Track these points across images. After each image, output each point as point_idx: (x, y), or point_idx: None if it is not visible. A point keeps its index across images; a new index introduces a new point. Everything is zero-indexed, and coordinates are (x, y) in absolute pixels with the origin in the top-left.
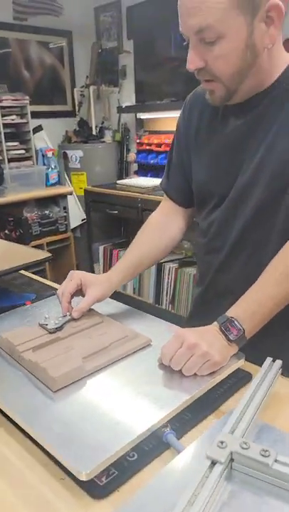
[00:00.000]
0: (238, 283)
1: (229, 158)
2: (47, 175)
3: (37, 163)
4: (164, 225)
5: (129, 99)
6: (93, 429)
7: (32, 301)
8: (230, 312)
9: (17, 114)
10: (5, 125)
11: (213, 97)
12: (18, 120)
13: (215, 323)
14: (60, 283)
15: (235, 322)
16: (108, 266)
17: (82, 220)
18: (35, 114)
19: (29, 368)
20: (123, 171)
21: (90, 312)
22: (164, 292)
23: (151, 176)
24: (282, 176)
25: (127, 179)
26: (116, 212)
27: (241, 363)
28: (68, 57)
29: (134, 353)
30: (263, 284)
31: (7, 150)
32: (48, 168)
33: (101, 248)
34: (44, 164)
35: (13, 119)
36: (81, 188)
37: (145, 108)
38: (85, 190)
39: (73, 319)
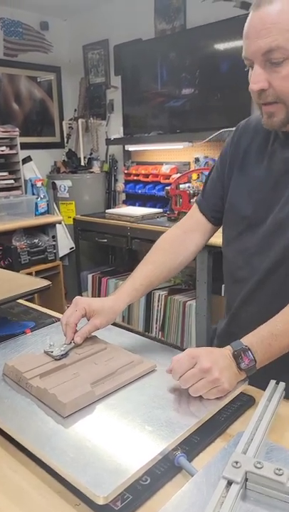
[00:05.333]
0: (263, 316)
1: (270, 189)
2: (36, 204)
3: (26, 193)
4: (181, 241)
5: (117, 131)
6: (106, 454)
7: (31, 329)
8: (246, 340)
9: (7, 145)
10: None
11: (271, 121)
12: (7, 151)
13: (229, 347)
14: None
15: (249, 352)
16: (97, 294)
17: (71, 249)
18: (25, 145)
19: (38, 394)
20: (111, 201)
21: (93, 339)
22: (154, 320)
23: (139, 205)
24: None
25: (116, 208)
26: (105, 240)
27: (244, 387)
28: (57, 91)
29: (140, 378)
30: (283, 319)
31: None
32: (38, 198)
33: (90, 276)
34: (33, 194)
35: (2, 150)
36: (70, 217)
37: (133, 140)
38: (74, 219)
39: (77, 346)
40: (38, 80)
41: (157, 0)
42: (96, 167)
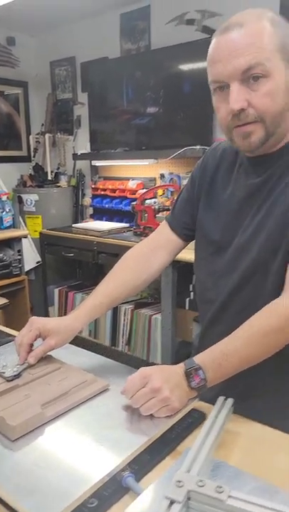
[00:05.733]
0: (226, 336)
1: (235, 214)
2: (1, 218)
3: None
4: (146, 259)
5: (84, 147)
6: (53, 478)
7: None
8: (199, 358)
9: None
10: None
11: (249, 142)
12: None
13: (182, 364)
14: (14, 327)
15: (200, 371)
16: (64, 308)
17: (37, 263)
18: None
19: None
20: (78, 215)
21: (47, 358)
22: (120, 334)
23: (106, 220)
24: (274, 241)
25: (83, 223)
26: (72, 255)
27: (195, 404)
28: (24, 106)
29: (93, 398)
30: (235, 339)
31: None
32: (2, 212)
33: (56, 291)
34: None
35: None
36: (36, 231)
37: (100, 156)
38: (41, 233)
39: (31, 366)
40: (5, 94)
41: (123, 21)
42: (63, 181)
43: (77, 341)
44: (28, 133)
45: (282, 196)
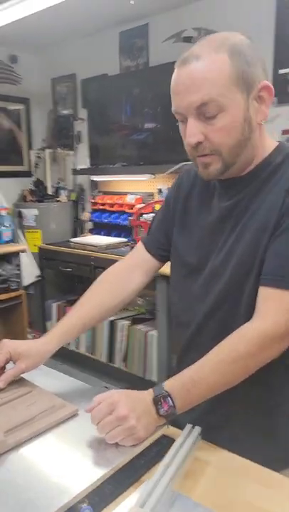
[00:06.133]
0: None
1: (208, 237)
2: (0, 233)
3: None
4: (124, 277)
5: (84, 162)
6: (5, 510)
7: None
8: (168, 384)
9: None
10: None
11: (207, 171)
12: None
13: (151, 391)
14: None
15: (169, 398)
16: None
17: (37, 277)
18: None
19: None
20: (78, 229)
21: (20, 381)
22: (117, 350)
23: (104, 234)
24: (245, 264)
25: (81, 237)
26: (70, 269)
27: (164, 431)
28: (26, 122)
29: (61, 424)
30: (202, 366)
31: None
32: (1, 227)
33: (54, 305)
34: None
35: None
36: (36, 246)
37: (98, 171)
38: (40, 248)
39: (1, 390)
40: (7, 110)
41: (122, 39)
42: (63, 196)
43: (75, 357)
44: (29, 148)
45: (251, 220)
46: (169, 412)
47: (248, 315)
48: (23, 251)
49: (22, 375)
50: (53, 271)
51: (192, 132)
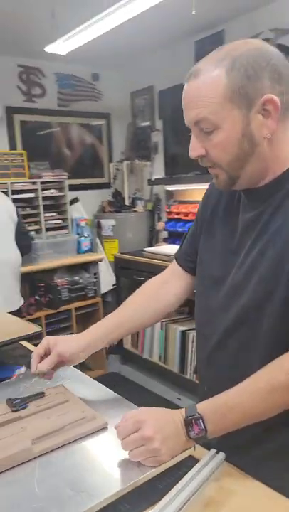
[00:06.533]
0: (223, 381)
1: (231, 249)
2: (79, 243)
3: (72, 232)
4: (158, 290)
5: (159, 172)
6: None
7: (19, 374)
8: (201, 407)
9: (56, 188)
10: (44, 198)
11: (217, 182)
12: (56, 193)
13: (183, 411)
14: None
15: (200, 421)
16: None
17: (113, 285)
18: (74, 187)
19: None
20: (153, 239)
21: (60, 389)
22: (188, 361)
23: (178, 243)
24: (267, 283)
25: (154, 247)
26: (143, 278)
27: (190, 452)
28: (106, 136)
29: (89, 436)
30: (240, 392)
31: (45, 220)
32: (81, 237)
33: None
34: (78, 233)
35: (51, 193)
36: (112, 255)
37: (173, 181)
38: (115, 257)
39: (41, 397)
40: (90, 126)
41: (197, 47)
42: (140, 206)
43: (148, 365)
44: (110, 161)
45: (275, 236)
46: (200, 435)
47: (271, 338)
48: (100, 260)
49: (65, 385)
50: (128, 279)
51: (192, 146)
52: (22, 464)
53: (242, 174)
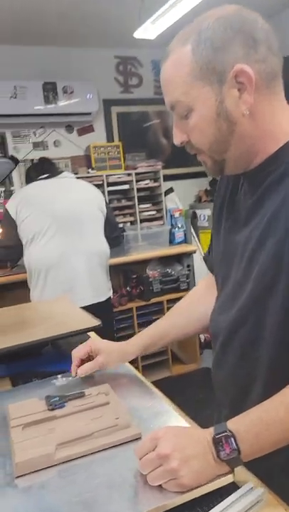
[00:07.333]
0: (229, 383)
1: (233, 244)
2: (173, 234)
3: (166, 223)
4: (202, 297)
5: None
6: None
7: None
8: (232, 424)
9: (151, 179)
10: (139, 189)
11: (206, 169)
12: (151, 184)
13: (211, 429)
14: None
15: (232, 439)
16: None
17: None
18: (169, 177)
19: (11, 445)
20: None
21: (104, 389)
22: None
23: None
24: (267, 277)
25: None
26: None
27: (226, 482)
28: None
29: (119, 446)
30: (275, 405)
31: (140, 212)
32: (175, 228)
33: None
34: (172, 224)
35: (146, 184)
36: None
37: None
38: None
39: (81, 397)
40: None
41: None
42: None
43: None
44: None
45: (273, 223)
46: (232, 456)
47: (275, 340)
48: (194, 252)
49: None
50: None
51: (174, 133)
52: (43, 469)
53: (227, 158)
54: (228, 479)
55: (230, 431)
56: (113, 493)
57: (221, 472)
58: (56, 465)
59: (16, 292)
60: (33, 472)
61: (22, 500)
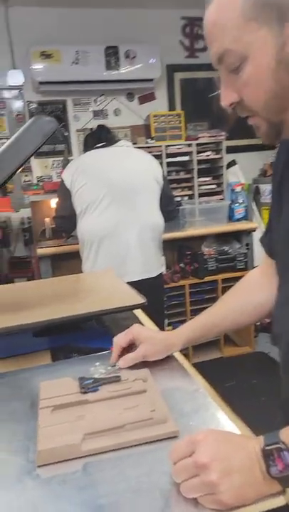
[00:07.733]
0: None
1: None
2: (232, 210)
3: (226, 198)
4: (258, 285)
5: None
6: None
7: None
8: (285, 433)
9: (212, 150)
10: (200, 161)
11: (260, 135)
12: (212, 156)
13: (261, 439)
14: None
15: (285, 453)
16: None
17: None
18: (232, 149)
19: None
20: None
21: (142, 375)
22: None
23: None
24: None
25: None
26: None
27: (277, 504)
28: None
29: (153, 442)
30: None
31: (199, 185)
32: (235, 203)
33: None
34: (232, 199)
35: (208, 155)
36: None
37: None
38: None
39: (117, 381)
40: None
41: None
42: None
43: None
44: None
45: None
46: (285, 473)
47: None
48: (254, 230)
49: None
50: None
51: (222, 93)
52: (68, 461)
53: (286, 118)
54: (279, 501)
55: (283, 443)
56: (140, 499)
57: (270, 491)
58: (82, 457)
59: (71, 263)
60: (56, 462)
61: (40, 494)
